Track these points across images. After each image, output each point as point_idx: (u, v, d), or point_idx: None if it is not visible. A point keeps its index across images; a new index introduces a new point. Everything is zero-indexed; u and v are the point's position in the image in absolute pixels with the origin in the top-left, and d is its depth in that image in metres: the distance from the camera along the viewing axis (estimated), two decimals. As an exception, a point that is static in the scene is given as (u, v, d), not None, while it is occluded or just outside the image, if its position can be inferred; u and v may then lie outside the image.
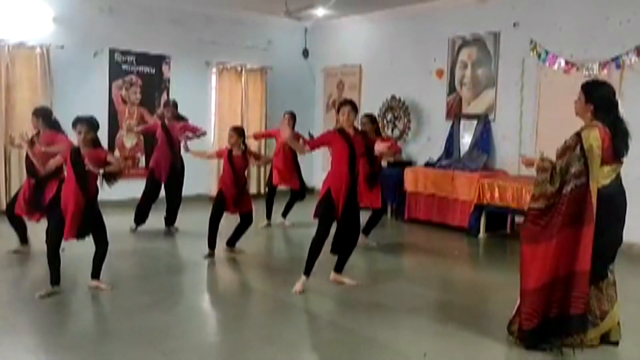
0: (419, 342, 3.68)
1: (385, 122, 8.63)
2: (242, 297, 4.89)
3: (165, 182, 6.62)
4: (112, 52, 8.27)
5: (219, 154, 5.88)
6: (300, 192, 7.19)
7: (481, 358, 3.50)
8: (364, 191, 5.50)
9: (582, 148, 3.33)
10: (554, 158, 3.51)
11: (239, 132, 5.67)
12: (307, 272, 4.59)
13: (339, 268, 4.84)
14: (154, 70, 8.67)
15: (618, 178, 3.47)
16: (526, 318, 3.47)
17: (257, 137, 7.91)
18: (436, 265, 5.71)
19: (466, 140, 7.69)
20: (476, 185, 6.82)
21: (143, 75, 8.58)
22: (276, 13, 8.86)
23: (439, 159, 7.80)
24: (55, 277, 4.37)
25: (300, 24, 9.80)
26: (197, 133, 6.72)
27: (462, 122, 7.79)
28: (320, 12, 8.74)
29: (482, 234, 6.89)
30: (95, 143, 4.44)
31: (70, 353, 3.46)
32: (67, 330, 3.89)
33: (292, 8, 8.30)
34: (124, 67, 8.42)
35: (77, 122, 4.40)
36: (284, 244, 6.88)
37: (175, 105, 6.76)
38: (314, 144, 4.79)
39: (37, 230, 5.25)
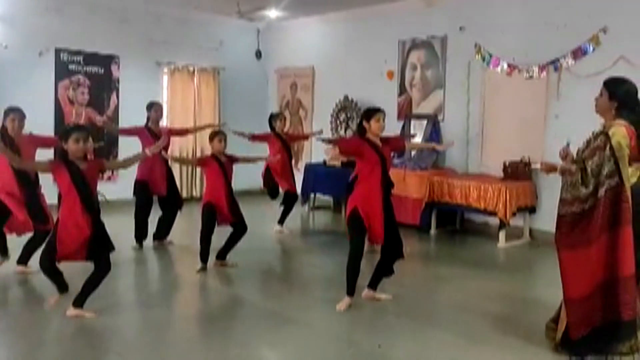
0: (374, 334, 3.81)
1: (338, 122, 8.78)
2: (199, 297, 4.88)
3: (164, 194, 6.10)
4: (58, 51, 8.04)
5: (202, 163, 5.42)
6: (295, 195, 7.01)
7: (431, 346, 3.65)
8: None
9: (611, 147, 3.17)
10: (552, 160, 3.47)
11: (226, 137, 5.28)
12: (351, 292, 4.21)
13: (373, 284, 4.39)
14: (102, 71, 8.48)
15: None
16: (574, 328, 3.30)
17: (255, 139, 7.12)
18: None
19: (417, 139, 7.89)
20: (426, 183, 7.04)
21: (91, 76, 8.38)
22: (228, 13, 8.85)
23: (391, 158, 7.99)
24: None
25: (252, 25, 9.81)
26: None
27: (413, 122, 8.01)
28: (272, 13, 8.79)
29: (433, 230, 7.12)
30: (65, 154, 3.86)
31: (26, 357, 3.43)
32: (22, 334, 3.79)
33: (244, 9, 8.30)
34: (71, 67, 8.20)
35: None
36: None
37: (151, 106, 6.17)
38: (346, 148, 4.32)
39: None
